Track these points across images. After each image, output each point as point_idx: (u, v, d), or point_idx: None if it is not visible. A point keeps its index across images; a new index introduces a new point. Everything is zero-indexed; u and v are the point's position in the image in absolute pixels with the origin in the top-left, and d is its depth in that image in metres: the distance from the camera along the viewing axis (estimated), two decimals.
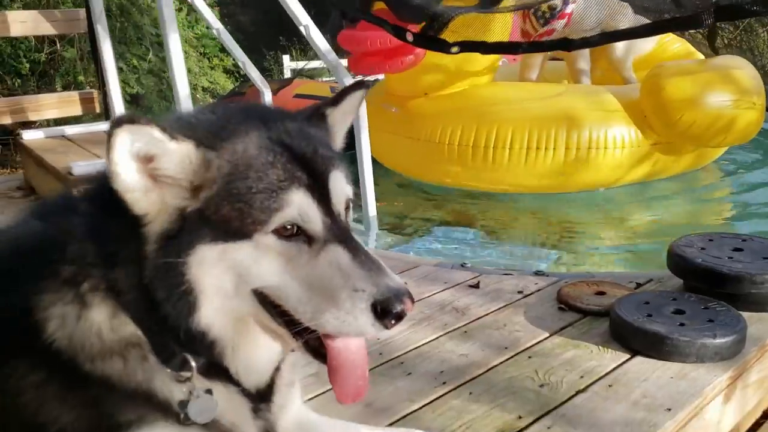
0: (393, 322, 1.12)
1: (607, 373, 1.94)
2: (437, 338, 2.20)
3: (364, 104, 4.10)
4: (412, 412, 1.79)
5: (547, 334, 2.19)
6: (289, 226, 1.13)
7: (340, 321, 1.12)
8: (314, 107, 1.34)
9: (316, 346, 1.20)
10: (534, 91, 5.59)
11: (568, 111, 5.05)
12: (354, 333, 1.15)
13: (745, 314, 2.15)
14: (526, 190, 5.03)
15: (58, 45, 9.65)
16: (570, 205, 4.95)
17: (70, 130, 4.63)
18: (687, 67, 5.29)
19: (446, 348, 2.13)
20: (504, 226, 4.62)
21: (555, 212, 4.86)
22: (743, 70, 5.14)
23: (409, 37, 2.92)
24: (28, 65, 9.27)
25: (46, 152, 3.94)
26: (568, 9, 5.49)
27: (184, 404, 1.20)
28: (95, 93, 4.83)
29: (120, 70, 5.31)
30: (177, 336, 1.16)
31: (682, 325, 2.05)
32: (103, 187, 1.15)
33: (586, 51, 6.09)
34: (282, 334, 1.20)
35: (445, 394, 1.87)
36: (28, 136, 4.40)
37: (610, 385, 1.88)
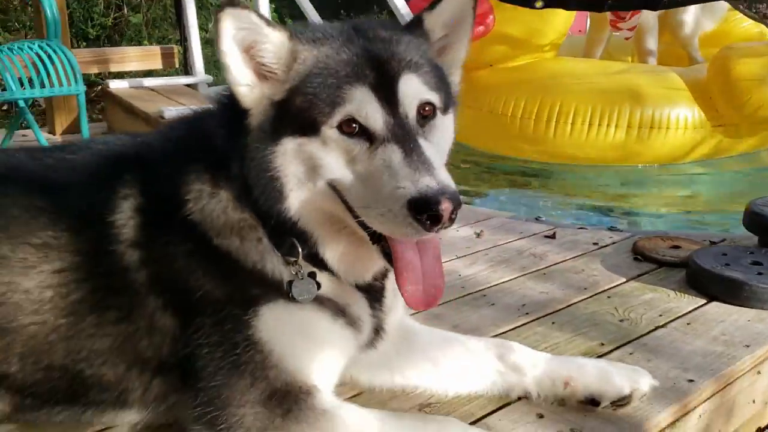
0: (428, 223, 1.12)
1: (686, 314, 2.02)
2: (517, 278, 2.31)
3: None
4: (498, 335, 1.91)
5: (624, 279, 2.28)
6: (351, 122, 1.20)
7: (383, 218, 1.16)
8: (415, 15, 1.41)
9: (388, 251, 1.24)
10: (599, 67, 5.60)
11: (632, 88, 5.04)
12: (395, 231, 1.18)
13: None
14: (587, 162, 5.06)
15: (125, 10, 9.95)
16: (634, 177, 4.97)
17: (149, 82, 4.85)
18: (757, 49, 5.24)
19: (527, 286, 2.24)
20: (569, 194, 4.68)
21: (617, 184, 4.89)
22: None
23: None
24: (96, 30, 9.56)
25: (134, 99, 4.17)
26: None
27: (290, 284, 1.33)
28: (176, 48, 5.04)
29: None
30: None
31: (759, 274, 2.11)
32: (221, 101, 1.34)
33: (655, 30, 6.05)
34: (361, 235, 1.25)
35: (529, 322, 1.98)
36: (115, 85, 4.64)
37: (688, 323, 1.96)
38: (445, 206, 1.11)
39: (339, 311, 1.39)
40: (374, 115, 1.21)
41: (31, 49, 3.18)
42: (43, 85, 3.15)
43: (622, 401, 1.51)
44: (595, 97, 5.02)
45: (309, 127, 1.21)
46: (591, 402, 1.52)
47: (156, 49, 4.99)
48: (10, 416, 1.45)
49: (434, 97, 1.28)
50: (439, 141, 1.28)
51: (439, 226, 1.13)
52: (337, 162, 1.22)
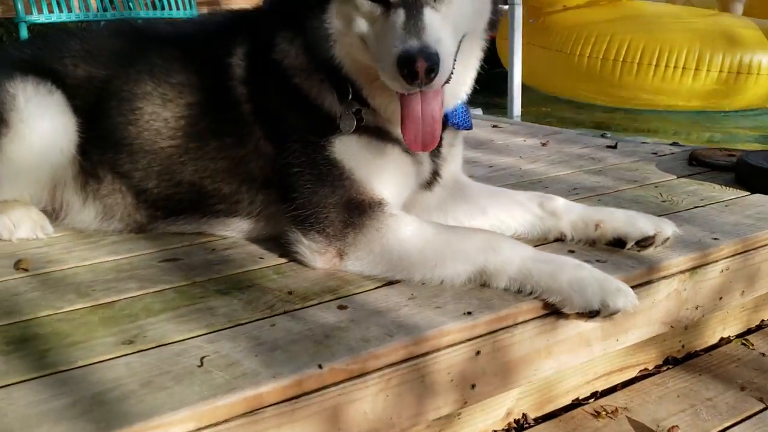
0: (408, 74, 1.34)
1: (726, 200, 2.18)
2: (572, 173, 2.52)
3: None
4: None
5: (675, 177, 2.45)
6: None
7: (383, 71, 1.41)
8: None
9: None
10: (675, 10, 5.58)
11: (703, 34, 5.03)
12: (391, 84, 1.42)
13: None
14: (675, 108, 5.11)
15: None
16: (709, 121, 4.98)
17: None
18: None
19: (581, 177, 2.45)
20: (639, 132, 4.77)
21: (695, 125, 4.92)
22: None
23: None
24: None
25: None
26: None
27: (339, 118, 1.62)
28: None
29: None
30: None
31: None
32: None
33: None
34: (389, 85, 1.45)
35: (576, 199, 2.20)
36: None
37: (726, 206, 2.13)
38: (420, 64, 1.34)
39: (394, 140, 1.67)
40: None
41: None
42: (162, 8, 3.57)
43: (645, 242, 1.73)
44: (666, 39, 5.03)
45: None
46: (618, 243, 1.75)
47: None
48: (144, 227, 1.84)
49: None
50: (454, 9, 1.47)
51: (418, 81, 1.36)
52: (363, 21, 1.49)
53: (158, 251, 1.73)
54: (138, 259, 1.68)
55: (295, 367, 1.22)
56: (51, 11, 3.22)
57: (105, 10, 3.41)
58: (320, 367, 1.23)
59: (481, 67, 1.72)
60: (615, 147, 2.86)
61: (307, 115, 1.65)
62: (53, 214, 1.86)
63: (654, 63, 5.00)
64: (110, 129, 1.77)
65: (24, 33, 3.10)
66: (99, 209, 1.82)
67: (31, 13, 3.15)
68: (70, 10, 3.26)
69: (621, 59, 5.08)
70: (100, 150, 1.79)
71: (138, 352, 1.26)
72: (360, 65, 1.57)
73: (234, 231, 1.80)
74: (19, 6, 3.09)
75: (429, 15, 1.41)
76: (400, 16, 1.41)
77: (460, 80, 1.62)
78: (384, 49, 1.42)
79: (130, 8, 3.57)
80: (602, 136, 3.10)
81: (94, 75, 1.81)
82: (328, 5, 1.54)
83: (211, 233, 1.82)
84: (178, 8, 3.64)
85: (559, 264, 1.52)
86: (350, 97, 1.62)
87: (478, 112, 3.98)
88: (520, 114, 4.33)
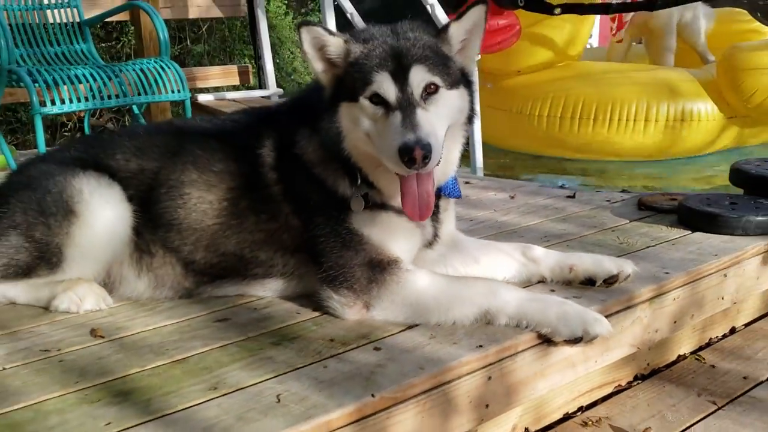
0: (409, 163, 1.70)
1: (672, 239, 2.61)
2: (541, 222, 2.92)
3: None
4: None
5: (628, 221, 2.87)
6: (376, 95, 1.82)
7: (387, 159, 1.79)
8: (444, 24, 2.07)
9: None
10: (617, 69, 6.25)
11: (649, 88, 5.68)
12: (394, 168, 1.79)
13: None
14: (621, 158, 5.68)
15: (187, 42, 10.91)
16: (654, 168, 5.56)
17: (231, 95, 5.66)
18: (760, 46, 5.91)
19: (549, 226, 2.85)
20: (590, 176, 5.28)
21: (639, 172, 5.49)
22: None
23: (521, 3, 3.62)
24: None
25: (221, 107, 4.95)
26: None
27: (349, 200, 1.97)
28: (250, 66, 5.85)
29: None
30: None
31: (733, 209, 2.68)
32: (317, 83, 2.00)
33: (674, 28, 6.65)
34: (392, 168, 1.81)
35: (548, 245, 2.58)
36: (202, 98, 5.46)
37: (673, 244, 2.55)
38: (417, 153, 1.71)
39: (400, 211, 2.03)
40: (389, 92, 1.81)
41: (149, 64, 3.97)
42: (153, 93, 3.90)
43: (611, 280, 2.11)
44: (613, 96, 5.64)
45: (353, 97, 1.86)
46: (589, 282, 2.13)
47: (234, 68, 5.83)
48: (192, 292, 2.14)
49: (437, 80, 1.86)
50: (440, 109, 1.86)
51: (416, 165, 1.73)
52: (367, 120, 1.85)
53: (209, 313, 2.03)
54: (195, 321, 1.98)
55: (353, 397, 1.54)
56: (63, 102, 3.52)
57: (109, 98, 3.74)
58: (373, 396, 1.55)
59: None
60: (573, 197, 3.29)
61: (326, 196, 2.00)
62: (109, 285, 2.14)
63: (607, 117, 5.59)
64: (161, 212, 2.09)
65: (39, 124, 3.38)
66: (152, 279, 2.12)
67: (45, 106, 3.46)
68: (79, 100, 3.57)
69: (577, 116, 5.66)
70: (152, 231, 2.09)
71: (224, 395, 1.56)
72: (365, 155, 1.91)
73: (270, 291, 2.12)
74: (34, 99, 3.38)
75: (420, 114, 1.80)
76: (397, 116, 1.79)
77: (448, 160, 2.00)
78: (387, 142, 1.78)
79: (124, 94, 3.88)
80: (561, 186, 3.54)
81: (144, 167, 2.13)
82: (339, 108, 1.89)
83: (250, 294, 2.13)
84: (170, 92, 3.96)
85: (548, 302, 1.89)
86: (359, 181, 1.97)
87: None
88: (482, 169, 4.77)
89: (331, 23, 4.99)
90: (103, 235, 2.03)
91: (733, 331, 2.60)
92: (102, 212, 2.02)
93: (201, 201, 2.06)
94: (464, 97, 1.97)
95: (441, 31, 1.97)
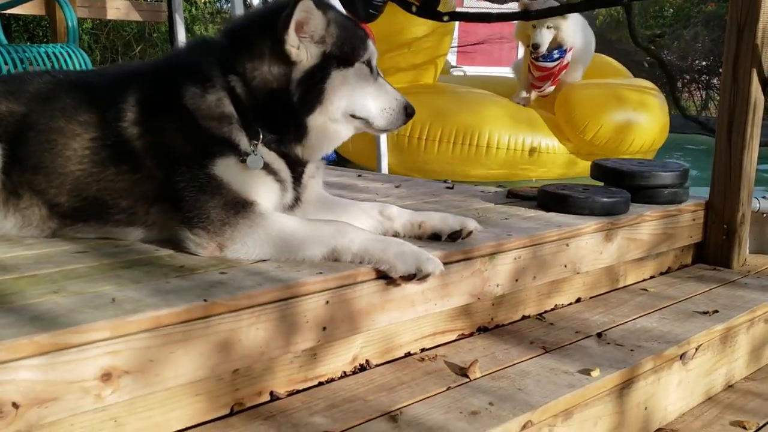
0: (407, 118, 2.18)
1: (526, 216, 2.85)
2: (414, 203, 3.12)
3: None
4: None
5: (493, 204, 3.11)
6: (368, 61, 2.14)
7: (387, 113, 2.16)
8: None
9: None
10: (463, 95, 6.93)
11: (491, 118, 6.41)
12: (393, 123, 2.19)
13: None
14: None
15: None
16: None
17: None
18: (592, 85, 6.74)
19: (420, 207, 3.05)
20: None
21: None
22: (647, 92, 6.73)
23: (414, 9, 3.91)
24: None
25: None
26: None
27: (246, 154, 2.13)
28: None
29: None
30: (270, 126, 2.12)
31: (583, 193, 2.96)
32: (214, 44, 2.22)
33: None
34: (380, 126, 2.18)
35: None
36: None
37: (524, 218, 2.79)
38: (411, 110, 2.19)
39: (273, 172, 2.20)
40: (375, 57, 2.16)
41: (56, 48, 4.04)
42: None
43: (454, 235, 2.31)
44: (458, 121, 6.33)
45: (348, 62, 2.11)
46: (435, 237, 2.33)
47: None
48: (56, 232, 2.21)
49: None
50: None
51: (408, 119, 2.18)
52: (360, 83, 2.14)
53: (70, 246, 2.11)
54: (54, 251, 2.05)
55: (186, 301, 1.66)
56: None
57: None
58: (205, 300, 1.67)
59: None
60: (452, 188, 3.53)
61: (202, 145, 2.11)
62: None
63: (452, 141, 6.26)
64: (29, 155, 2.16)
65: None
66: (18, 219, 2.18)
67: None
68: None
69: (425, 138, 6.31)
70: (19, 173, 2.16)
71: (62, 297, 1.65)
72: (325, 136, 2.18)
73: (132, 237, 2.21)
74: None
75: None
76: (380, 80, 2.21)
77: None
78: (389, 100, 2.20)
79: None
80: (444, 182, 3.77)
81: (14, 110, 2.20)
82: (329, 75, 2.11)
83: (113, 239, 2.22)
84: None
85: (388, 242, 2.06)
86: (261, 137, 2.12)
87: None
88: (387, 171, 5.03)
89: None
90: None
91: (578, 301, 2.84)
92: None
93: (66, 147, 2.14)
94: None
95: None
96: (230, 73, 2.13)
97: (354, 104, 2.14)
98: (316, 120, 2.12)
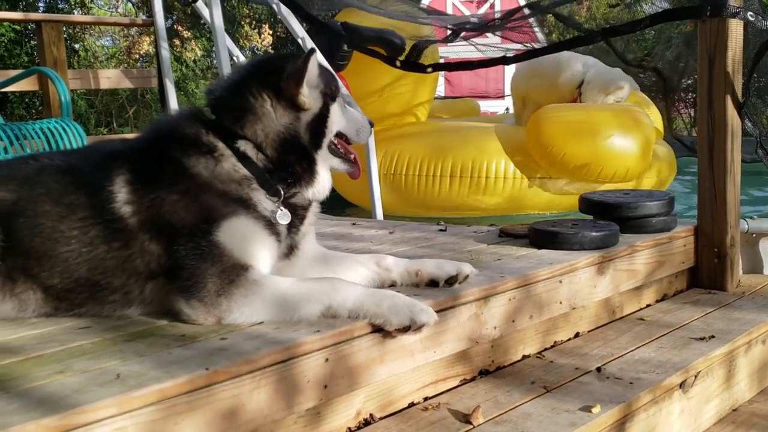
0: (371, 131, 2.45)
1: (519, 255, 2.90)
2: (408, 249, 3.18)
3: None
4: None
5: (486, 245, 3.17)
6: (339, 93, 2.36)
7: (362, 131, 2.38)
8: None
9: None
10: (432, 126, 7.12)
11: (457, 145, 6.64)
12: (363, 138, 2.43)
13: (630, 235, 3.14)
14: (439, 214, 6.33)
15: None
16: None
17: None
18: (564, 108, 6.84)
19: (413, 252, 3.10)
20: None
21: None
22: (628, 114, 6.66)
23: (398, 63, 4.04)
24: None
25: None
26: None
27: (273, 212, 2.22)
28: None
29: None
30: (286, 178, 2.25)
31: (572, 228, 3.02)
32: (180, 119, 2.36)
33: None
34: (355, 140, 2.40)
35: None
36: None
37: (517, 258, 2.84)
38: (372, 123, 2.47)
39: (271, 225, 2.25)
40: (346, 95, 2.40)
41: (50, 123, 4.15)
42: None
43: (451, 280, 2.37)
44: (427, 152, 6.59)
45: (333, 98, 2.31)
46: (433, 283, 2.38)
47: None
48: (50, 315, 2.25)
49: None
50: None
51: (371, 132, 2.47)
52: (339, 111, 2.34)
53: (74, 323, 2.15)
54: (58, 329, 2.09)
55: (188, 371, 1.70)
56: None
57: None
58: (207, 369, 1.72)
59: None
60: (445, 230, 3.59)
61: (204, 210, 2.16)
62: None
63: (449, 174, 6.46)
64: (20, 240, 2.21)
65: None
66: (16, 303, 2.22)
67: None
68: None
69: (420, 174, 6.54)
70: (13, 258, 2.21)
71: (68, 376, 1.69)
72: (326, 147, 2.36)
73: (133, 315, 2.21)
74: None
75: None
76: (351, 109, 2.45)
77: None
78: (359, 121, 2.42)
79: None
80: (438, 223, 3.83)
81: (5, 198, 2.26)
82: (329, 109, 2.33)
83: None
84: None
85: (381, 295, 2.11)
86: (284, 191, 2.26)
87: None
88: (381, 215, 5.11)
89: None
90: None
91: (577, 335, 2.87)
92: None
93: (54, 230, 2.17)
94: None
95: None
96: (236, 138, 2.23)
97: (342, 129, 2.36)
98: (321, 152, 2.31)
